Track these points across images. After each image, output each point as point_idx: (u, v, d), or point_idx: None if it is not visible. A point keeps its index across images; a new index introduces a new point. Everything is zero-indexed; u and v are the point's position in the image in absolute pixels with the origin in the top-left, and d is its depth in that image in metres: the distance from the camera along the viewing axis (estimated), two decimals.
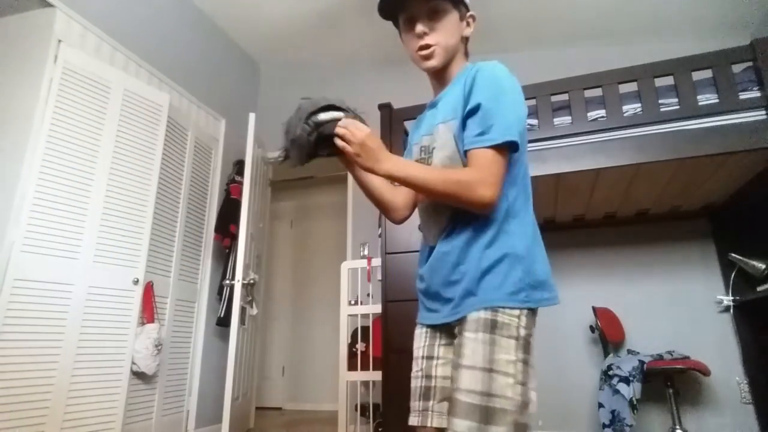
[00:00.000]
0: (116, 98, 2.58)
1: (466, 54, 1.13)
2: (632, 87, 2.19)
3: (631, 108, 2.16)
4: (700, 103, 2.06)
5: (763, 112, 1.98)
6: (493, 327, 0.91)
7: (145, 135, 2.72)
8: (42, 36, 2.35)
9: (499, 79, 0.97)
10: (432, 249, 1.05)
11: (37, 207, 2.17)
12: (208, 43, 3.64)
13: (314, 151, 1.02)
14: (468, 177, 0.92)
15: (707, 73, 2.10)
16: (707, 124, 2.03)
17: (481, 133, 0.93)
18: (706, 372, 2.46)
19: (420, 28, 1.03)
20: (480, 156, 0.93)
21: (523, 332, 0.92)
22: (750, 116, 1.99)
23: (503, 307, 0.92)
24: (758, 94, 2.00)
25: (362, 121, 1.03)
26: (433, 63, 1.06)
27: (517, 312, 0.92)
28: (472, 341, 0.91)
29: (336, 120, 1.00)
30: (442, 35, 1.04)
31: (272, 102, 4.33)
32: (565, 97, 2.26)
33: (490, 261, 0.95)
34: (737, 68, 2.09)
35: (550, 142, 2.22)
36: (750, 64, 2.07)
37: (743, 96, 2.02)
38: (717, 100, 2.04)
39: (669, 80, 2.13)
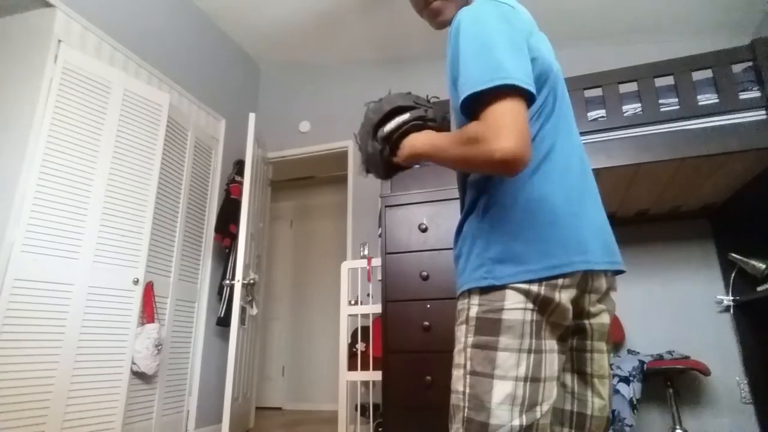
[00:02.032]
0: (116, 98, 2.58)
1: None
2: (632, 87, 2.19)
3: (631, 108, 2.16)
4: (700, 103, 2.06)
5: (763, 112, 1.98)
6: (454, 322, 0.85)
7: (145, 135, 2.72)
8: (42, 36, 2.36)
9: (464, 26, 0.82)
10: None
11: (37, 207, 2.17)
12: (209, 43, 3.64)
13: (393, 164, 0.99)
14: (474, 129, 0.73)
15: (707, 73, 2.10)
16: (707, 124, 2.03)
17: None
18: (706, 372, 2.46)
19: None
20: (485, 113, 0.73)
21: (473, 311, 0.79)
22: (750, 116, 1.99)
23: (460, 294, 0.84)
24: (758, 94, 2.00)
25: (433, 115, 0.96)
26: (443, 18, 0.98)
27: (466, 294, 0.82)
28: None
29: (403, 124, 0.94)
30: None
31: (272, 102, 4.33)
32: None
33: (457, 243, 0.89)
34: (737, 68, 2.09)
35: None
36: (750, 64, 2.07)
37: (743, 96, 2.02)
38: (717, 100, 2.04)
39: (669, 80, 2.14)
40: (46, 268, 2.18)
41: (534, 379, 0.74)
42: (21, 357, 2.03)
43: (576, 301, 0.81)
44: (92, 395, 2.27)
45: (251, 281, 3.14)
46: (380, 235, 2.50)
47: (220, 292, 3.40)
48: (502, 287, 0.77)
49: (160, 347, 2.62)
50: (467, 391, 0.75)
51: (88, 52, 2.56)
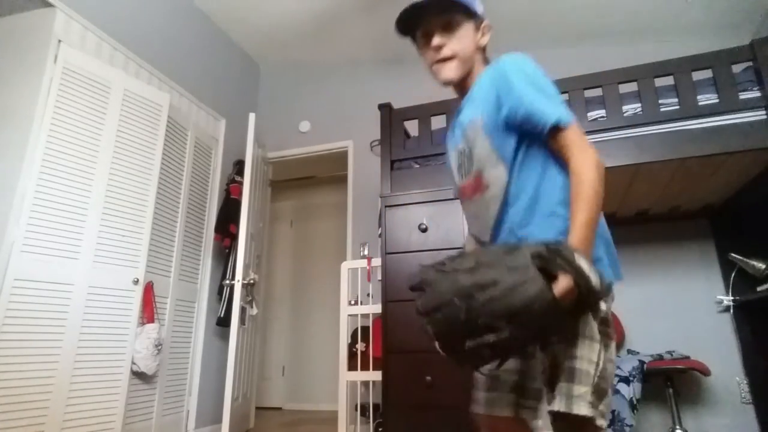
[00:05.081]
0: (116, 98, 2.58)
1: (486, 62, 1.16)
2: (632, 87, 2.19)
3: (631, 108, 2.16)
4: (700, 103, 2.06)
5: (763, 112, 1.98)
6: None
7: (145, 135, 2.72)
8: (42, 36, 2.35)
9: (520, 64, 1.01)
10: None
11: (37, 207, 2.17)
12: (208, 43, 3.64)
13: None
14: (585, 166, 0.91)
15: (707, 73, 2.10)
16: (707, 124, 2.03)
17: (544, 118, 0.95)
18: (706, 372, 2.45)
19: (437, 40, 1.08)
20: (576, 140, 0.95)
21: None
22: (750, 116, 1.99)
23: None
24: (758, 94, 2.00)
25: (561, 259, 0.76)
26: (449, 75, 1.10)
27: None
28: None
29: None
30: (458, 45, 1.08)
31: (272, 102, 4.33)
32: (565, 97, 2.26)
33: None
34: (737, 68, 2.09)
35: None
36: (750, 64, 2.07)
37: (743, 96, 2.02)
38: (717, 100, 2.04)
39: (669, 80, 2.13)
40: (46, 268, 2.18)
41: None
42: (21, 357, 2.03)
43: None
44: (92, 395, 2.27)
45: (251, 281, 3.14)
46: (380, 235, 2.50)
47: (220, 292, 3.40)
48: None
49: (160, 347, 2.62)
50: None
51: (88, 52, 2.56)
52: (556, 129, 0.95)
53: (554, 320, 0.76)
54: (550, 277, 0.76)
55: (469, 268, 0.78)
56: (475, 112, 1.06)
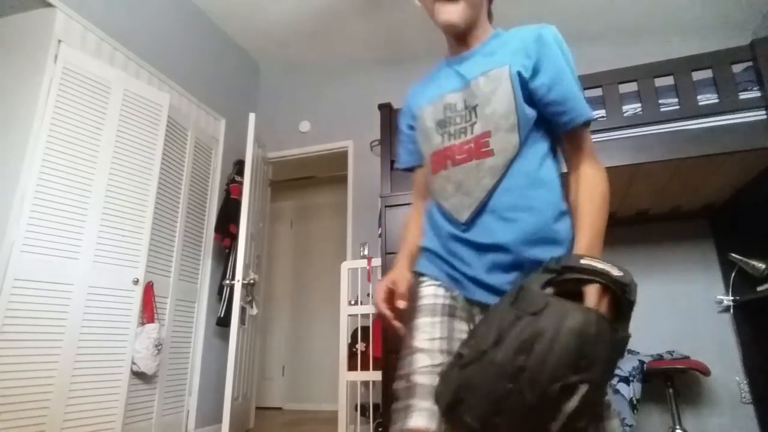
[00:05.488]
0: (116, 98, 2.58)
1: (491, 19, 1.04)
2: (632, 87, 2.19)
3: (631, 108, 2.16)
4: (700, 103, 2.06)
5: (763, 112, 1.97)
6: None
7: (145, 135, 2.72)
8: (42, 36, 2.35)
9: (565, 46, 0.93)
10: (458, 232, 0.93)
11: (37, 207, 2.17)
12: (208, 43, 3.64)
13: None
14: (599, 177, 0.89)
15: (707, 73, 2.10)
16: (707, 124, 2.03)
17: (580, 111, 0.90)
18: (706, 372, 2.45)
19: None
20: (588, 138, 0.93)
21: None
22: (750, 116, 1.98)
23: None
24: (758, 94, 2.00)
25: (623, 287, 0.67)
26: (453, 18, 0.91)
27: None
28: None
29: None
30: None
31: (272, 102, 4.33)
32: None
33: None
34: (737, 68, 2.09)
35: None
36: (750, 64, 2.07)
37: (743, 96, 2.02)
38: (717, 100, 2.04)
39: (669, 80, 2.13)
40: (46, 268, 2.18)
41: None
42: (21, 357, 2.03)
43: None
44: (92, 395, 2.27)
45: (251, 281, 3.14)
46: (380, 235, 2.50)
47: (220, 292, 3.40)
48: None
49: (160, 347, 2.62)
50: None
51: (88, 52, 2.56)
52: (584, 127, 0.91)
53: (614, 340, 0.65)
54: (578, 298, 0.66)
55: (495, 342, 0.64)
56: (499, 61, 0.91)
